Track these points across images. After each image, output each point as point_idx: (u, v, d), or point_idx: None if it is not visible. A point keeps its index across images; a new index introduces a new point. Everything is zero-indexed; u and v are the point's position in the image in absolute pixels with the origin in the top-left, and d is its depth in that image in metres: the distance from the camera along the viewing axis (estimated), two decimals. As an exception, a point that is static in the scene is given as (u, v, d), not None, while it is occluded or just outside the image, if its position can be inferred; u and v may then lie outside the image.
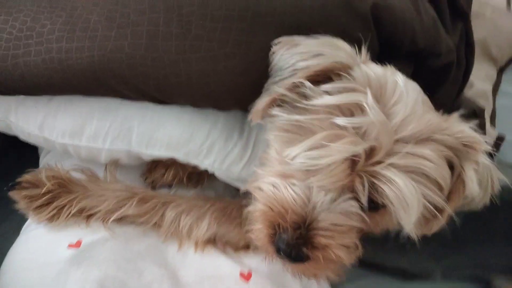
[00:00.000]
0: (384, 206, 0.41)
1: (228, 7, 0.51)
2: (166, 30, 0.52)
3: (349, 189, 0.41)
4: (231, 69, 0.53)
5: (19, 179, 0.59)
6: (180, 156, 0.62)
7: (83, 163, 0.65)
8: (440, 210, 0.42)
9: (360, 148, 0.37)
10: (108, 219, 0.59)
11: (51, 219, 0.58)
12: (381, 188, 0.38)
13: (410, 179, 0.38)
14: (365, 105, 0.38)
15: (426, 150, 0.39)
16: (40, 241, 0.58)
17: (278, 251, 0.43)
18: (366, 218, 0.43)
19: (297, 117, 0.41)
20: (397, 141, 0.39)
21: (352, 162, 0.39)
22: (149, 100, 0.58)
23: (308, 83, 0.41)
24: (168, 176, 0.71)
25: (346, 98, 0.39)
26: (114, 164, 0.65)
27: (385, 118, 0.38)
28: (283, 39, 0.49)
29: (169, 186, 0.73)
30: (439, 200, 0.40)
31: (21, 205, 0.58)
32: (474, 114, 0.87)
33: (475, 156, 0.41)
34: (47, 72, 0.51)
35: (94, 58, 0.51)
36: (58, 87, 0.54)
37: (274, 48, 0.50)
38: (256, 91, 0.53)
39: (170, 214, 0.62)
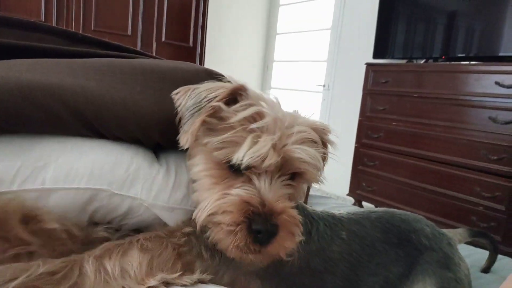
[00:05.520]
0: (300, 173, 0.58)
1: (130, 68, 0.67)
2: (84, 76, 0.63)
3: (278, 170, 0.56)
4: (145, 100, 0.65)
5: None
6: (104, 186, 0.60)
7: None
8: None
9: (276, 137, 0.54)
10: None
11: None
12: (297, 157, 0.56)
13: (307, 146, 0.57)
14: (264, 111, 0.56)
15: (305, 127, 0.59)
16: None
17: (255, 235, 0.51)
18: (293, 184, 0.59)
19: (224, 136, 0.54)
20: (287, 127, 0.57)
21: (273, 148, 0.54)
22: (76, 123, 0.60)
23: (223, 105, 0.56)
24: None
25: (251, 111, 0.55)
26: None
27: (277, 116, 0.57)
28: (181, 89, 0.62)
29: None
30: (322, 152, 0.61)
31: None
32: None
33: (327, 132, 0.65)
34: None
35: (22, 80, 0.55)
36: None
37: (176, 96, 0.61)
38: (171, 122, 0.63)
39: (89, 264, 0.51)
